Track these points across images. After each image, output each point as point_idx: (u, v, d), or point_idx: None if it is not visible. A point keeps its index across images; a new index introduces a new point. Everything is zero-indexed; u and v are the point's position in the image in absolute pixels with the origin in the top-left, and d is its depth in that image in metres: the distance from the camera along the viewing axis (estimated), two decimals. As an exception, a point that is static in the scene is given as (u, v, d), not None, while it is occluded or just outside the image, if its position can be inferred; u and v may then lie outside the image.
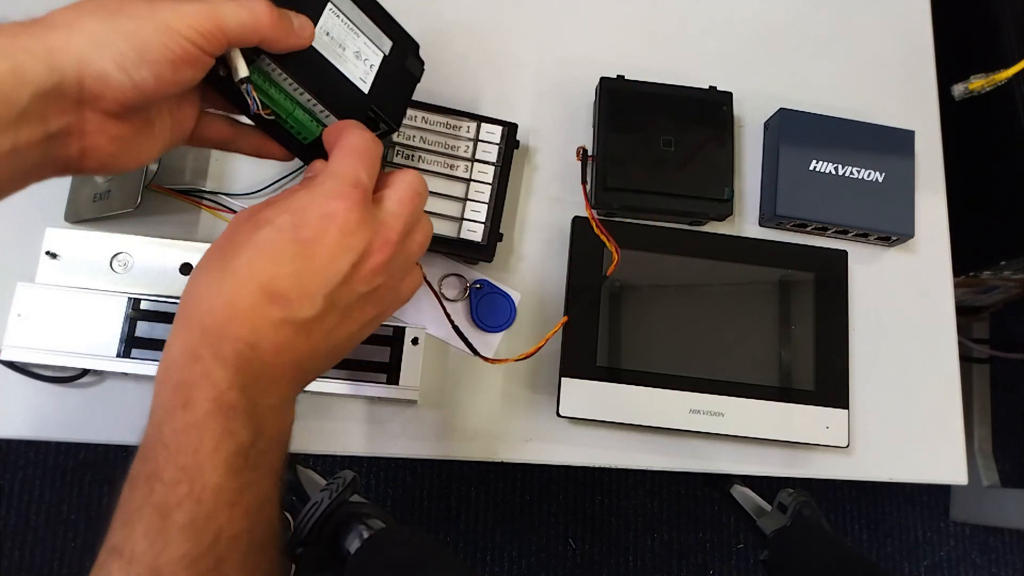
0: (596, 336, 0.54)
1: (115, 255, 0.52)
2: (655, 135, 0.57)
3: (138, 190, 0.52)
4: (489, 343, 0.55)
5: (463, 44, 0.61)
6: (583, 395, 0.53)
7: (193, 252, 0.52)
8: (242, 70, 0.36)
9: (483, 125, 0.55)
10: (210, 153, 0.56)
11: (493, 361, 0.51)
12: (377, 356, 0.51)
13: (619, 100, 0.57)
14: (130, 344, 0.49)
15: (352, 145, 0.37)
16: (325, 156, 0.39)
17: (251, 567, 0.31)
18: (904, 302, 0.60)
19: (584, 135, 0.60)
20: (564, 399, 0.52)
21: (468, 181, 0.54)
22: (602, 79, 0.58)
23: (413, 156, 0.54)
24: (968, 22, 0.81)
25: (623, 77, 0.58)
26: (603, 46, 0.63)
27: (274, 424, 0.33)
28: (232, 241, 0.34)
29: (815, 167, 0.58)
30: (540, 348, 0.50)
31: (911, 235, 0.58)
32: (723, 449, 0.55)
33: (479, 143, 0.55)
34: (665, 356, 0.54)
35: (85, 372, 0.50)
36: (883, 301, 0.59)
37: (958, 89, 0.68)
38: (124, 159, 0.35)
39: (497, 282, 0.56)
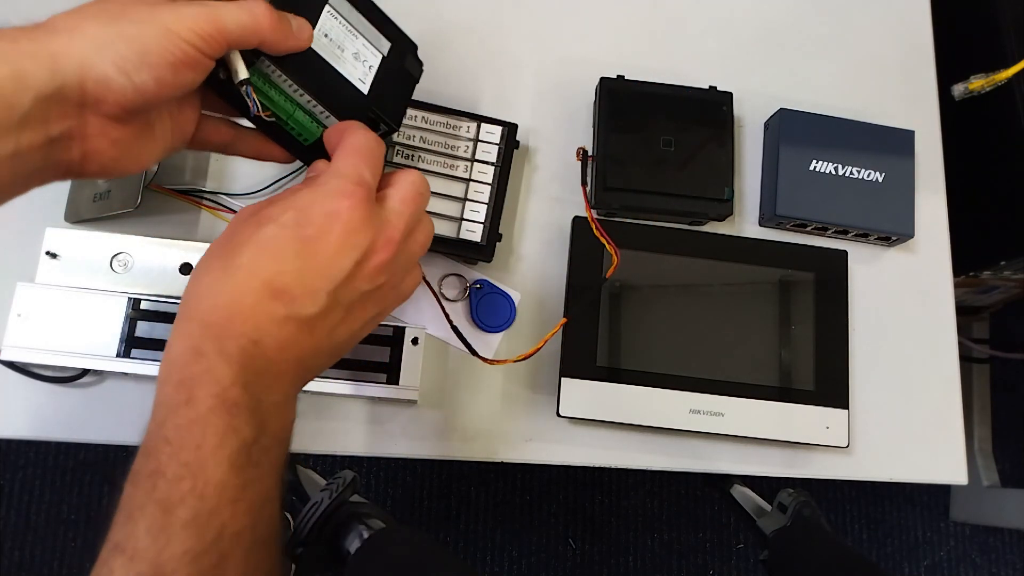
0: (596, 336, 0.54)
1: (115, 255, 0.52)
2: (655, 135, 0.57)
3: (138, 190, 0.52)
4: (489, 343, 0.55)
5: (463, 44, 0.61)
6: (583, 395, 0.53)
7: (193, 252, 0.52)
8: (242, 72, 0.36)
9: (483, 125, 0.55)
10: (210, 153, 0.57)
11: (492, 362, 0.51)
12: (377, 356, 0.51)
13: (619, 100, 0.57)
14: (130, 344, 0.49)
15: (355, 145, 0.37)
16: (326, 157, 0.40)
17: (253, 564, 0.31)
18: (904, 302, 0.60)
19: (584, 135, 0.60)
20: (564, 399, 0.52)
21: (468, 181, 0.54)
22: (602, 79, 0.58)
23: (413, 156, 0.54)
24: (968, 22, 0.81)
25: (623, 77, 0.58)
26: (603, 46, 0.63)
27: (277, 421, 0.34)
28: (235, 239, 0.34)
29: (815, 167, 0.58)
30: (539, 349, 0.50)
31: (911, 235, 0.58)
32: (723, 449, 0.55)
33: (479, 143, 0.55)
34: (665, 356, 0.54)
35: (85, 372, 0.50)
36: (883, 301, 0.59)
37: (958, 89, 0.68)
38: (125, 162, 0.35)
39: (497, 282, 0.56)
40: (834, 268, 0.58)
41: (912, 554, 1.26)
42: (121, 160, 0.35)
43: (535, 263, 0.57)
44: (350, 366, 0.50)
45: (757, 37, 0.64)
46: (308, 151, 0.42)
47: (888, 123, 0.60)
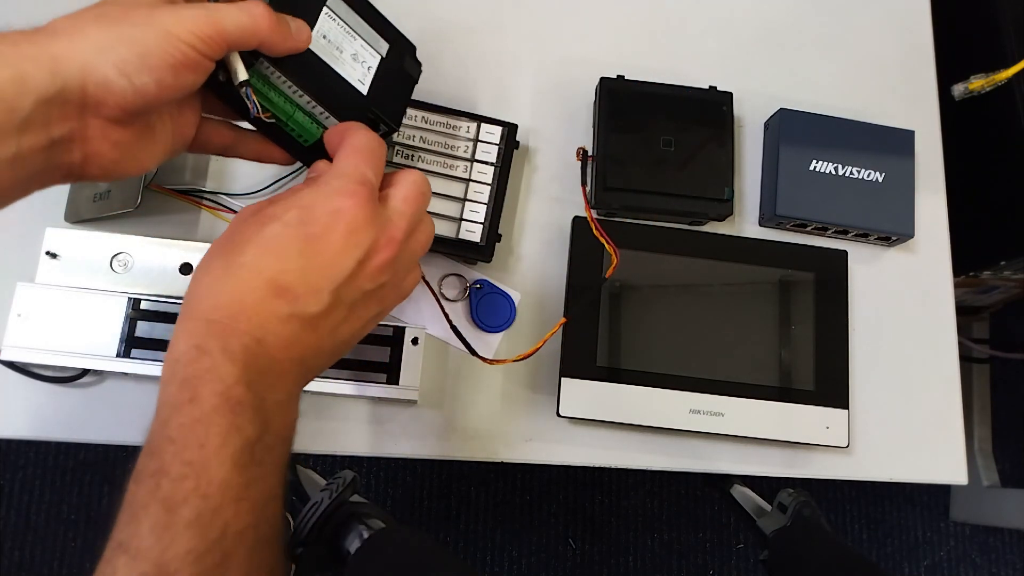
0: (596, 336, 0.54)
1: (115, 255, 0.52)
2: (655, 135, 0.57)
3: (138, 190, 0.52)
4: (489, 343, 0.55)
5: (463, 44, 0.61)
6: (583, 395, 0.53)
7: (193, 252, 0.52)
8: (241, 73, 0.36)
9: (483, 125, 0.55)
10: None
11: (492, 362, 0.51)
12: (377, 356, 0.51)
13: (619, 100, 0.57)
14: (130, 344, 0.49)
15: (357, 145, 0.37)
16: (326, 158, 0.40)
17: (256, 562, 0.31)
18: (904, 302, 0.60)
19: (584, 135, 0.60)
20: (564, 399, 0.52)
21: (467, 181, 0.54)
22: (602, 79, 0.58)
23: (413, 156, 0.54)
24: (968, 22, 0.81)
25: (623, 77, 0.58)
26: (603, 46, 0.63)
27: (280, 419, 0.34)
28: (237, 237, 0.35)
29: (815, 167, 0.58)
30: (538, 349, 0.50)
31: (911, 235, 0.58)
32: (723, 449, 0.55)
33: (479, 143, 0.55)
34: (665, 356, 0.54)
35: (85, 372, 0.50)
36: (883, 301, 0.59)
37: (958, 89, 0.68)
38: (126, 165, 0.36)
39: (497, 282, 0.56)
40: (834, 268, 0.58)
41: (912, 554, 1.26)
42: (122, 162, 0.35)
43: (535, 263, 0.57)
44: (350, 366, 0.50)
45: (757, 37, 0.64)
46: (308, 152, 0.42)
47: (888, 123, 0.60)
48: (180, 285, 0.51)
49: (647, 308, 0.55)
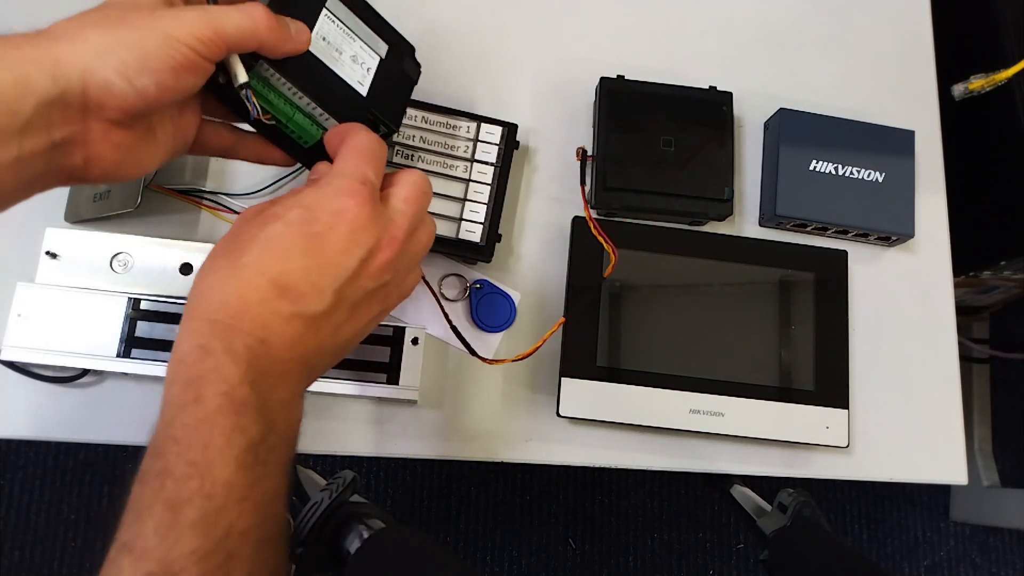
0: (596, 336, 0.54)
1: (115, 255, 0.52)
2: (655, 135, 0.57)
3: (138, 190, 0.52)
4: (489, 343, 0.55)
5: (463, 44, 0.61)
6: (583, 395, 0.53)
7: (193, 252, 0.52)
8: (241, 76, 0.36)
9: (483, 125, 0.55)
10: (210, 154, 0.57)
11: (491, 362, 0.51)
12: (377, 356, 0.51)
13: (619, 100, 0.57)
14: (130, 344, 0.49)
15: (358, 145, 0.38)
16: (326, 159, 0.40)
17: (260, 562, 0.31)
18: (904, 302, 0.60)
19: (584, 135, 0.60)
20: (564, 399, 0.52)
21: (467, 181, 0.54)
22: (602, 79, 0.58)
23: (412, 156, 0.54)
24: (968, 22, 0.81)
25: (623, 77, 0.58)
26: (603, 46, 0.63)
27: (284, 419, 0.34)
28: (240, 237, 0.35)
29: (815, 167, 0.58)
30: (537, 349, 0.50)
31: (911, 235, 0.58)
32: (723, 449, 0.55)
33: (479, 143, 0.55)
34: (665, 356, 0.54)
35: (85, 372, 0.50)
36: (883, 301, 0.59)
37: (958, 89, 0.68)
38: (127, 167, 0.36)
39: (497, 282, 0.56)
40: (834, 268, 0.58)
41: (912, 554, 1.26)
42: (123, 165, 0.35)
43: (535, 263, 0.57)
44: (350, 366, 0.50)
45: (757, 37, 0.64)
46: (308, 154, 0.42)
47: (888, 123, 0.60)
48: (180, 285, 0.51)
49: (647, 308, 0.55)
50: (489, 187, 0.54)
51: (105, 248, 0.51)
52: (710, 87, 0.59)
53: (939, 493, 1.29)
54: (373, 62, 0.43)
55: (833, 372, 0.55)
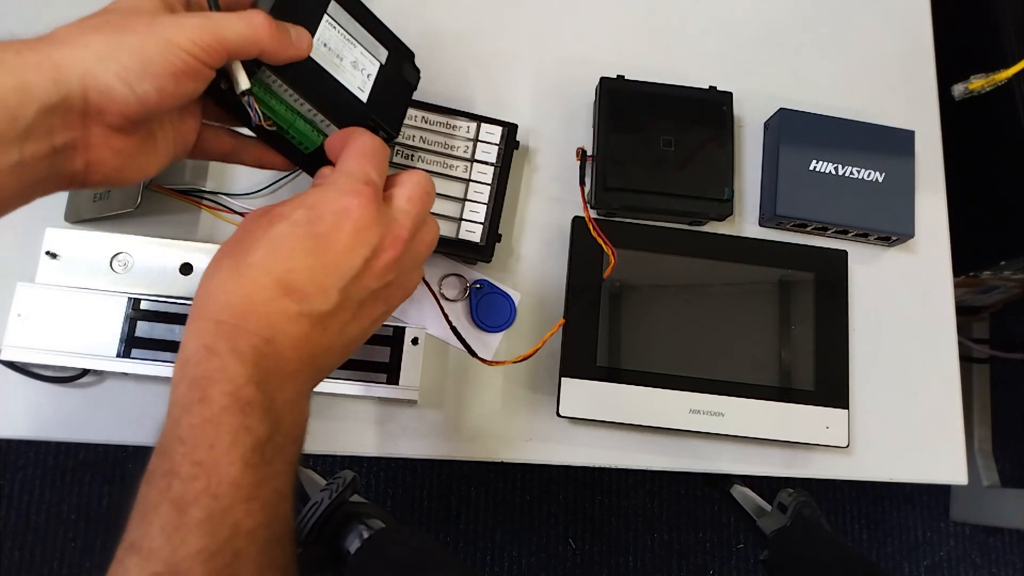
0: (596, 336, 0.54)
1: (115, 255, 0.52)
2: (655, 135, 0.57)
3: (138, 190, 0.52)
4: (489, 343, 0.55)
5: (463, 44, 0.61)
6: (583, 395, 0.53)
7: (193, 252, 0.52)
8: (243, 82, 0.37)
9: (483, 125, 0.55)
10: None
11: (491, 363, 0.52)
12: (377, 356, 0.51)
13: (619, 100, 0.57)
14: (130, 344, 0.49)
15: (361, 147, 0.38)
16: (326, 165, 0.40)
17: (267, 562, 0.31)
18: (904, 302, 0.60)
19: (584, 135, 0.60)
20: (564, 399, 0.52)
21: (467, 181, 0.54)
22: (602, 79, 0.58)
23: (412, 156, 0.54)
24: (968, 22, 0.81)
25: (623, 77, 0.58)
26: (603, 46, 0.63)
27: (290, 419, 0.34)
28: (246, 238, 0.35)
29: (815, 167, 0.58)
30: (537, 350, 0.51)
31: (911, 235, 0.58)
32: (723, 449, 0.55)
33: (479, 143, 0.55)
34: (665, 356, 0.54)
35: (85, 372, 0.50)
36: (883, 301, 0.59)
37: (958, 89, 0.68)
38: (128, 172, 0.36)
39: (497, 282, 0.56)
40: (834, 268, 0.58)
41: (912, 554, 1.26)
42: (124, 170, 0.35)
43: (535, 263, 0.57)
44: (350, 366, 0.50)
45: (757, 37, 0.64)
46: (308, 159, 0.42)
47: (888, 123, 0.60)
48: (180, 285, 0.51)
49: (647, 308, 0.55)
50: (489, 187, 0.54)
51: (105, 248, 0.51)
52: (710, 87, 0.59)
53: (939, 493, 1.29)
54: (373, 68, 0.43)
55: (833, 372, 0.55)
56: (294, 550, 0.34)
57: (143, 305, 0.50)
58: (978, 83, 0.68)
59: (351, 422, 0.53)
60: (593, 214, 0.57)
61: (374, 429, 0.53)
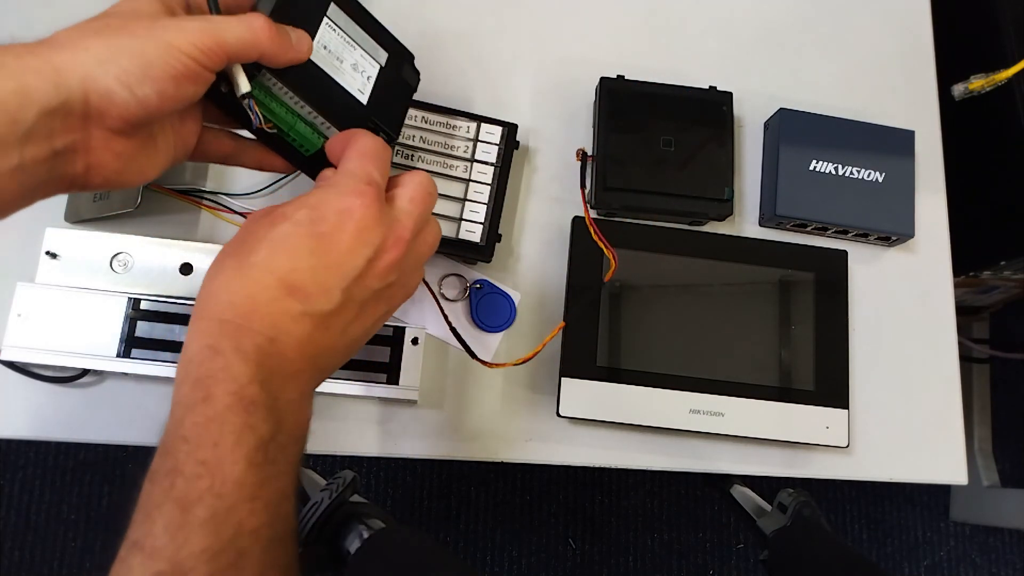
0: (596, 336, 0.54)
1: (115, 255, 0.52)
2: (655, 135, 0.57)
3: (138, 190, 0.52)
4: (489, 343, 0.55)
5: (463, 44, 0.61)
6: (583, 395, 0.53)
7: (193, 252, 0.52)
8: (244, 85, 0.37)
9: (483, 125, 0.55)
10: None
11: (491, 365, 0.52)
12: (377, 356, 0.51)
13: (619, 100, 0.57)
14: (130, 344, 0.49)
15: (363, 148, 0.38)
16: (327, 167, 0.40)
17: (270, 561, 0.31)
18: (904, 302, 0.60)
19: (584, 135, 0.60)
20: (564, 399, 0.52)
21: (467, 181, 0.54)
22: (602, 79, 0.58)
23: (413, 156, 0.54)
24: (968, 22, 0.81)
25: (623, 77, 0.58)
26: (603, 46, 0.63)
27: (293, 419, 0.34)
28: (249, 238, 0.35)
29: (815, 167, 0.58)
30: (537, 353, 0.51)
31: (911, 235, 0.58)
32: (723, 449, 0.55)
33: (479, 143, 0.55)
34: (665, 356, 0.54)
35: (85, 372, 0.50)
36: (883, 301, 0.59)
37: (958, 89, 0.68)
38: (128, 175, 0.36)
39: (497, 282, 0.56)
40: (834, 268, 0.58)
41: (912, 554, 1.26)
42: (124, 172, 0.36)
43: (535, 263, 0.57)
44: (351, 366, 0.50)
45: (757, 37, 0.64)
46: (309, 162, 0.42)
47: (888, 123, 0.60)
48: (180, 285, 0.51)
49: (647, 308, 0.55)
50: (489, 187, 0.54)
51: (105, 248, 0.51)
52: (710, 87, 0.59)
53: (939, 493, 1.29)
54: (373, 70, 0.43)
55: (833, 372, 0.55)
56: (296, 550, 0.34)
57: (143, 305, 0.50)
58: (978, 83, 0.68)
59: (351, 422, 0.53)
60: (593, 214, 0.57)
61: (374, 429, 0.53)
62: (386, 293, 0.38)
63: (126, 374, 0.50)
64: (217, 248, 0.36)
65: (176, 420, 0.31)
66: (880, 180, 0.58)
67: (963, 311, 0.89)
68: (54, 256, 0.51)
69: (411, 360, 0.51)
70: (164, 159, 0.38)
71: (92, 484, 1.17)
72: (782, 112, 0.59)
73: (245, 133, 0.41)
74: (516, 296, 0.56)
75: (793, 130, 0.59)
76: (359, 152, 0.38)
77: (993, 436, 1.28)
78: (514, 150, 0.56)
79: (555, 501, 1.22)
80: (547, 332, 0.51)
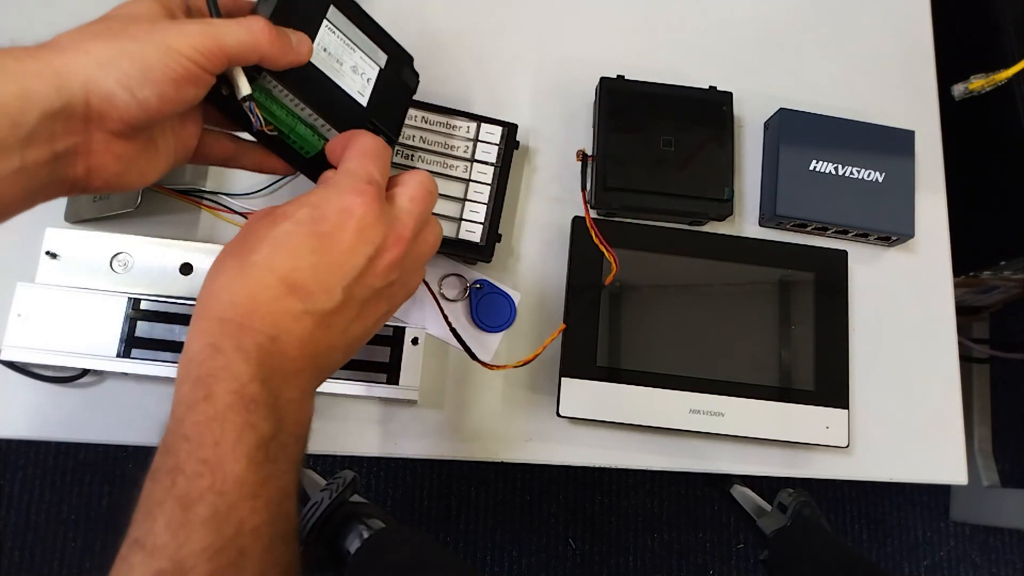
0: (596, 336, 0.54)
1: (115, 255, 0.52)
2: (655, 135, 0.57)
3: (138, 191, 0.52)
4: (489, 343, 0.55)
5: (463, 44, 0.61)
6: (583, 395, 0.53)
7: (193, 252, 0.52)
8: (244, 88, 0.37)
9: (483, 125, 0.55)
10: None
11: (491, 367, 0.52)
12: (377, 356, 0.51)
13: (619, 100, 0.57)
14: (130, 344, 0.49)
15: (363, 148, 0.38)
16: (327, 169, 0.40)
17: (272, 559, 0.32)
18: (904, 302, 0.60)
19: (584, 135, 0.60)
20: (564, 399, 0.52)
21: (467, 181, 0.54)
22: (602, 79, 0.58)
23: (412, 155, 0.54)
24: (968, 22, 0.81)
25: (623, 77, 0.58)
26: (603, 46, 0.63)
27: (294, 417, 0.34)
28: (250, 237, 0.35)
29: (815, 167, 0.58)
30: (537, 355, 0.51)
31: (911, 235, 0.58)
32: (723, 449, 0.55)
33: (479, 143, 0.55)
34: (665, 356, 0.54)
35: (85, 372, 0.50)
36: (883, 301, 0.59)
37: (958, 89, 0.68)
38: (129, 177, 0.36)
39: (497, 282, 0.56)
40: (834, 268, 0.58)
41: (912, 554, 1.26)
42: (125, 175, 0.36)
43: (535, 263, 0.57)
44: (350, 366, 0.50)
45: (757, 37, 0.64)
46: (309, 164, 0.43)
47: (888, 123, 0.60)
48: (180, 285, 0.51)
49: (647, 308, 0.55)
50: (489, 187, 0.54)
51: (105, 248, 0.51)
52: (710, 87, 0.59)
53: (939, 493, 1.29)
54: (373, 72, 0.43)
55: (833, 372, 0.55)
56: (298, 548, 0.34)
57: (143, 305, 0.50)
58: (978, 83, 0.68)
59: (351, 422, 0.53)
60: (593, 214, 0.57)
61: (374, 429, 0.53)
62: (387, 292, 0.38)
63: (126, 374, 0.50)
64: (217, 248, 0.36)
65: (177, 419, 0.31)
66: (880, 180, 0.58)
67: (963, 311, 0.89)
68: (54, 256, 0.51)
69: (411, 360, 0.51)
70: (165, 162, 0.38)
71: (92, 484, 1.17)
72: (782, 112, 0.59)
73: (245, 135, 0.42)
74: (516, 296, 0.56)
75: (793, 130, 0.59)
76: (359, 151, 0.38)
77: (993, 436, 1.28)
78: (514, 150, 0.56)
79: (555, 501, 1.22)
80: (547, 332, 0.51)
